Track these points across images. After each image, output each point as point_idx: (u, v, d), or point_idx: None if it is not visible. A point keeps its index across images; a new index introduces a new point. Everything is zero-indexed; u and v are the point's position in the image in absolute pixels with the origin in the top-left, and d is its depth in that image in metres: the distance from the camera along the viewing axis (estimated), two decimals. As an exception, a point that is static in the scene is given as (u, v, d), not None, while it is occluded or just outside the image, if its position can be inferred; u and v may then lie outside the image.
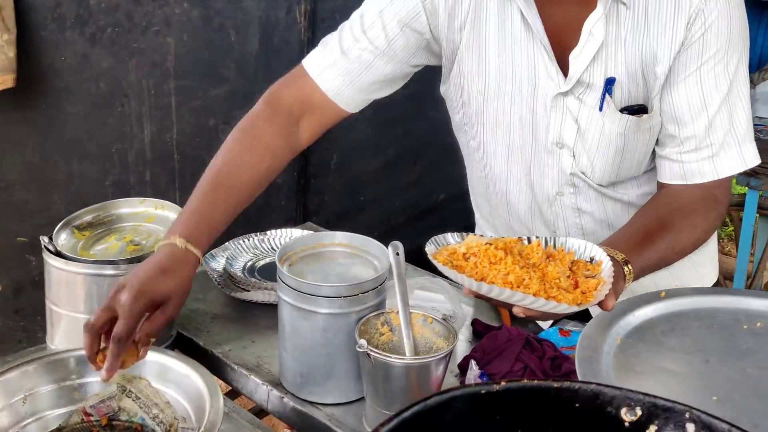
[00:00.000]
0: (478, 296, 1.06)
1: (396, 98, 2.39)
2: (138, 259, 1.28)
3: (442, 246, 1.13)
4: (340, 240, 1.34)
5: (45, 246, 1.29)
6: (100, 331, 1.12)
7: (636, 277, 1.15)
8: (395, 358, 1.12)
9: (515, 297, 0.99)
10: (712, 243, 1.61)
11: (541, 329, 1.45)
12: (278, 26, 2.33)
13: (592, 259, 1.10)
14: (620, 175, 1.42)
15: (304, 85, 1.41)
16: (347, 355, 1.21)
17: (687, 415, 0.66)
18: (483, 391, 0.65)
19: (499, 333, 1.36)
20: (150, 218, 1.43)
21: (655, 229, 1.27)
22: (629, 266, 1.12)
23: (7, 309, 2.05)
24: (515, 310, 1.02)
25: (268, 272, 1.59)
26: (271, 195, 2.56)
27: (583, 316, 1.50)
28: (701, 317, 1.13)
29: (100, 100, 2.09)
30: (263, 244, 1.70)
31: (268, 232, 1.74)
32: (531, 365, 1.28)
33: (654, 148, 1.39)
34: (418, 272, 1.70)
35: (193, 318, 1.48)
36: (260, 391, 1.30)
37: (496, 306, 1.56)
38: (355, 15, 1.40)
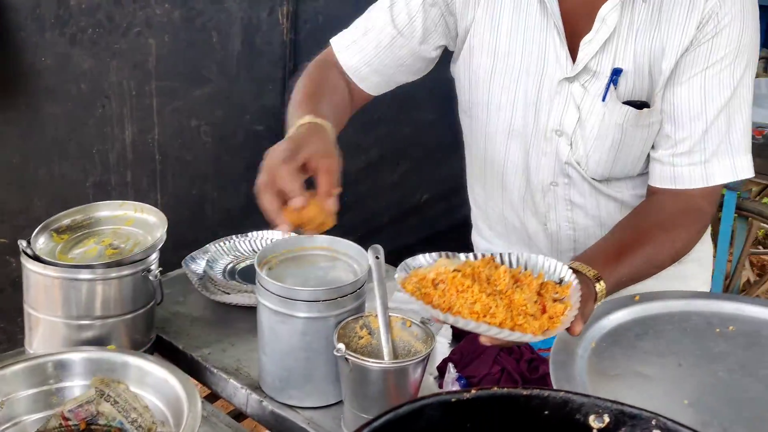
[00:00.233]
0: (445, 323, 1.07)
1: (379, 99, 2.40)
2: (117, 264, 1.28)
3: (413, 269, 1.13)
4: (320, 243, 1.35)
5: (23, 250, 1.29)
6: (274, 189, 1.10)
7: (609, 293, 1.15)
8: (373, 362, 1.13)
9: (480, 328, 1.01)
10: (706, 268, 1.60)
11: (520, 332, 1.46)
12: (260, 27, 2.33)
13: (561, 281, 1.10)
14: (614, 171, 1.41)
15: (334, 60, 1.47)
16: (326, 358, 1.22)
17: (654, 422, 0.67)
18: (453, 399, 0.66)
19: (478, 335, 1.37)
20: (129, 221, 1.43)
21: (632, 243, 1.26)
22: (601, 283, 1.12)
23: (-14, 311, 2.04)
24: (482, 339, 1.03)
25: (249, 275, 1.60)
26: (254, 196, 2.55)
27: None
28: (674, 321, 1.14)
29: (80, 101, 2.08)
30: (244, 246, 1.70)
31: (249, 234, 1.74)
32: (508, 368, 1.29)
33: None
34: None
35: (173, 321, 1.49)
36: (239, 394, 1.31)
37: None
38: None
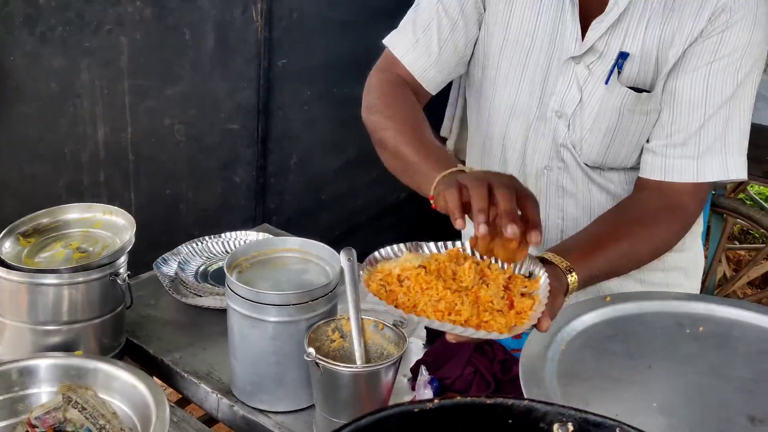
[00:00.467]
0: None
1: (356, 96, 2.37)
2: (84, 268, 1.26)
3: (380, 262, 1.11)
4: (292, 245, 1.33)
5: (-13, 255, 1.26)
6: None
7: (582, 286, 1.14)
8: (343, 366, 1.12)
9: (445, 327, 0.99)
10: (694, 279, 1.58)
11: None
12: (234, 25, 2.30)
13: (531, 274, 1.09)
14: (607, 157, 1.39)
15: (397, 67, 1.43)
16: (297, 362, 1.21)
17: (617, 430, 0.66)
18: (416, 410, 0.65)
19: (451, 336, 1.37)
20: (98, 224, 1.41)
21: (609, 237, 1.25)
22: (573, 275, 1.11)
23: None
24: (448, 338, 1.02)
25: (222, 277, 1.57)
26: (230, 195, 2.53)
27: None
28: (645, 322, 1.14)
29: (51, 101, 2.05)
30: (217, 247, 1.68)
31: (223, 235, 1.73)
32: (481, 369, 1.29)
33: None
34: (374, 274, 1.70)
35: (144, 325, 1.47)
36: (210, 399, 1.29)
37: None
38: None
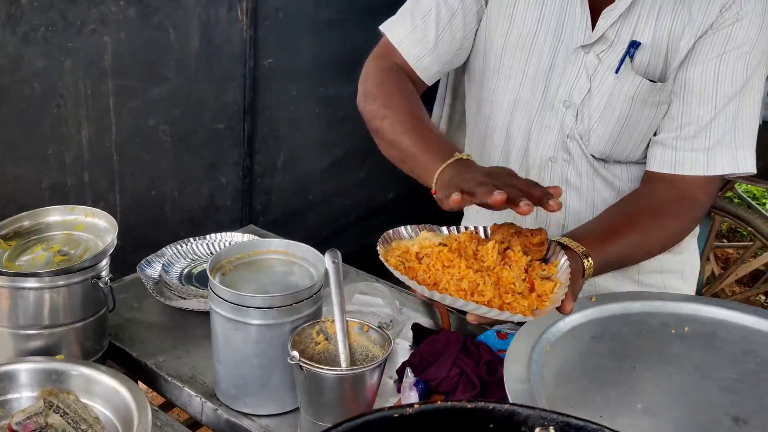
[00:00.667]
0: (430, 300, 1.03)
1: (343, 96, 2.38)
2: (65, 271, 1.24)
3: (395, 241, 1.09)
4: (276, 247, 1.32)
5: (-33, 258, 1.25)
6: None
7: (597, 272, 1.13)
8: (328, 369, 1.11)
9: (469, 307, 0.97)
10: (690, 283, 1.58)
11: (479, 332, 1.45)
12: (219, 24, 2.29)
13: (546, 260, 1.07)
14: (615, 149, 1.38)
15: (394, 54, 1.43)
16: (282, 366, 1.19)
17: (600, 434, 0.65)
18: (396, 415, 0.64)
19: (437, 338, 1.36)
20: (79, 227, 1.39)
21: (622, 226, 1.25)
22: (589, 260, 1.11)
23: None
24: (468, 318, 1.00)
25: (206, 279, 1.56)
26: (216, 195, 2.52)
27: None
28: (631, 322, 1.14)
29: (34, 102, 2.03)
30: (201, 249, 1.67)
31: (208, 237, 1.71)
32: (467, 371, 1.28)
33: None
34: (361, 275, 1.69)
35: (127, 328, 1.45)
36: (194, 403, 1.28)
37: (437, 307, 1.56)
38: None
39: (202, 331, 1.42)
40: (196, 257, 1.65)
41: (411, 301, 1.59)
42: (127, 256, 1.81)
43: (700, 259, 3.07)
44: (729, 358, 1.06)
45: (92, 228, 1.39)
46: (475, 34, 1.46)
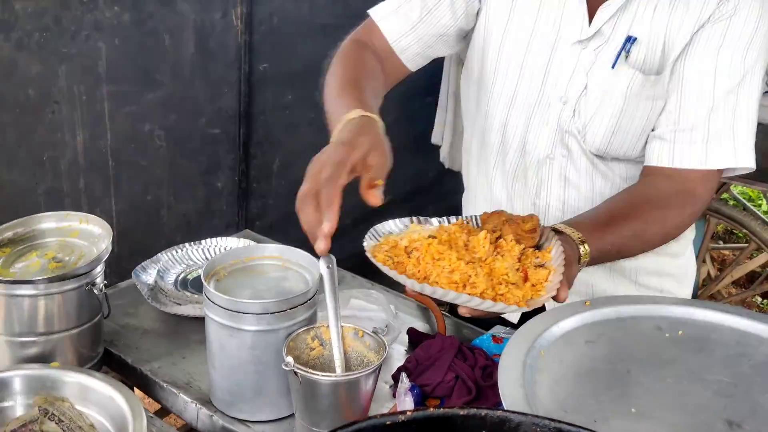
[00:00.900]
0: (421, 295, 1.02)
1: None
2: (59, 278, 1.24)
3: (384, 236, 1.06)
4: (271, 252, 1.32)
5: (-39, 266, 1.25)
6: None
7: (594, 260, 1.12)
8: (322, 375, 1.11)
9: (461, 299, 0.94)
10: (686, 285, 1.58)
11: (474, 336, 1.45)
12: (214, 29, 2.29)
13: (540, 246, 1.04)
14: (612, 145, 1.37)
15: (374, 31, 1.44)
16: (277, 372, 1.19)
17: (592, 440, 0.66)
18: (388, 422, 0.64)
19: (433, 342, 1.36)
20: (74, 233, 1.39)
21: (622, 215, 1.24)
22: (586, 246, 1.09)
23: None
24: (461, 311, 0.98)
25: (201, 284, 1.56)
26: (212, 200, 2.52)
27: (519, 322, 1.51)
28: (625, 326, 1.14)
29: (29, 107, 2.03)
30: (197, 255, 1.67)
31: (203, 242, 1.71)
32: (462, 375, 1.28)
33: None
34: (356, 280, 1.69)
35: (122, 334, 1.45)
36: (189, 409, 1.28)
37: (428, 305, 1.56)
38: None
39: (198, 337, 1.42)
40: (192, 263, 1.65)
41: (407, 305, 1.60)
42: (123, 261, 1.82)
43: (696, 261, 3.08)
44: (722, 361, 1.06)
45: (87, 234, 1.39)
46: (473, 32, 1.46)
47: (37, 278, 1.23)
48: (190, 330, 1.46)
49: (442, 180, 2.87)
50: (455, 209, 1.61)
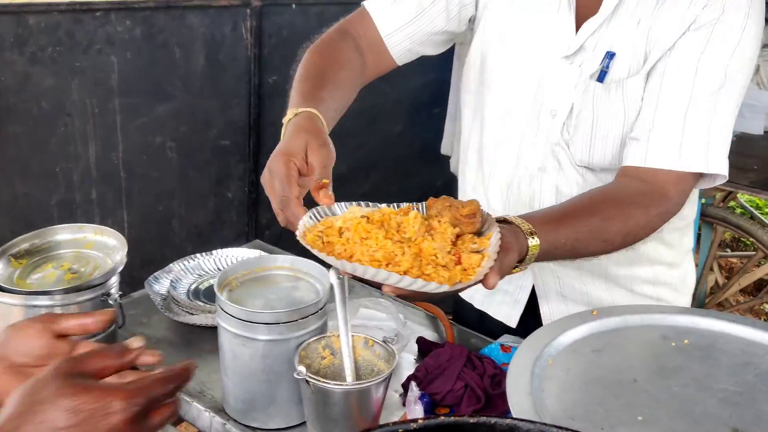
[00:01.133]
0: (346, 273, 0.99)
1: (347, 113, 2.36)
2: (75, 289, 1.27)
3: (324, 218, 1.04)
4: (282, 263, 1.34)
5: (-21, 277, 1.27)
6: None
7: (546, 254, 1.10)
8: (334, 384, 1.13)
9: (380, 275, 0.92)
10: (684, 294, 1.57)
11: (483, 345, 1.47)
12: (224, 42, 2.32)
13: (481, 233, 1.02)
14: (594, 156, 1.37)
15: (364, 22, 1.44)
16: (288, 380, 1.21)
17: (599, 447, 0.67)
18: (400, 430, 0.66)
19: (442, 351, 1.38)
20: (89, 245, 1.41)
21: (580, 210, 1.21)
22: (535, 238, 1.07)
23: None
24: (384, 289, 0.96)
25: (214, 294, 1.58)
26: (222, 210, 2.55)
27: (525, 332, 1.53)
28: (631, 335, 1.15)
29: (42, 120, 2.07)
30: (208, 265, 1.69)
31: (214, 252, 1.73)
32: (472, 384, 1.29)
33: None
34: (366, 290, 1.71)
35: (136, 344, 1.47)
36: (203, 417, 1.30)
37: (436, 315, 1.58)
38: None
39: (210, 346, 1.44)
40: (203, 273, 1.67)
41: (415, 314, 1.61)
42: (135, 271, 1.84)
43: (703, 269, 3.09)
44: (728, 370, 1.07)
45: (101, 246, 1.42)
46: (470, 44, 1.48)
47: (53, 289, 1.25)
48: (203, 339, 1.48)
49: (451, 189, 2.90)
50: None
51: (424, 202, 1.08)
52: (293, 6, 2.49)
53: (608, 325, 1.17)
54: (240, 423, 1.26)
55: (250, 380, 1.23)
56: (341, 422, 1.15)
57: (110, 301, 1.31)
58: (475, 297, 1.64)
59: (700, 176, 1.30)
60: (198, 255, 1.71)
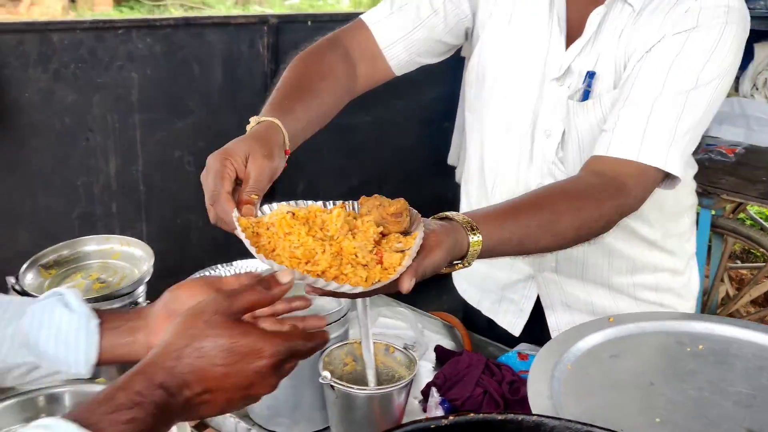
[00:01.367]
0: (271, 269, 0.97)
1: (359, 126, 2.44)
2: (105, 298, 1.30)
3: (275, 210, 1.04)
4: (303, 272, 1.37)
5: (12, 286, 1.31)
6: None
7: (493, 249, 1.07)
8: (357, 388, 1.16)
9: (295, 275, 0.91)
10: (687, 299, 1.58)
11: (499, 353, 1.50)
12: (241, 59, 2.38)
13: (408, 232, 1.00)
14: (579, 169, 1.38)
15: (360, 34, 1.45)
16: (312, 386, 1.25)
17: (621, 442, 0.71)
18: (433, 426, 0.69)
19: (460, 359, 1.41)
20: (116, 255, 1.46)
21: (529, 206, 1.18)
22: (477, 234, 1.05)
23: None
24: (306, 289, 0.96)
25: (235, 304, 1.62)
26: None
27: (532, 340, 1.56)
28: (647, 341, 1.18)
29: (64, 135, 2.12)
30: (228, 275, 1.72)
31: (234, 263, 1.77)
32: (490, 390, 1.32)
33: None
34: (383, 299, 1.74)
35: (161, 352, 1.50)
36: (228, 423, 1.33)
37: (453, 324, 1.61)
38: None
39: (233, 355, 1.47)
40: (224, 283, 1.70)
41: (432, 323, 1.64)
42: (154, 283, 1.88)
43: (714, 280, 3.11)
44: (742, 374, 1.10)
45: (128, 256, 1.46)
46: (468, 62, 1.52)
47: (84, 298, 1.29)
48: (226, 348, 1.51)
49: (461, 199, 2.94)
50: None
51: (357, 201, 1.07)
52: (308, 23, 2.54)
53: (624, 331, 1.20)
54: (265, 429, 1.29)
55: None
56: (364, 427, 1.19)
57: (138, 310, 1.35)
58: (483, 304, 1.67)
59: (665, 177, 1.29)
60: (219, 266, 1.74)
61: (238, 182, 1.08)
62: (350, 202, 1.06)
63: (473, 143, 1.58)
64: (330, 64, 1.39)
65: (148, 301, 1.38)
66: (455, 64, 1.56)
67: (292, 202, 1.05)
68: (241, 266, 1.76)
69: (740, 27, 1.28)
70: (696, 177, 1.62)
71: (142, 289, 1.37)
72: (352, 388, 1.16)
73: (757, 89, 3.45)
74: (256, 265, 1.76)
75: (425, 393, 1.38)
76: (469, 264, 1.06)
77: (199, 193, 2.61)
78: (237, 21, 2.34)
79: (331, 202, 1.06)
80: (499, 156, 1.51)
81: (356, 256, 0.95)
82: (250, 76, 2.42)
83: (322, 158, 2.75)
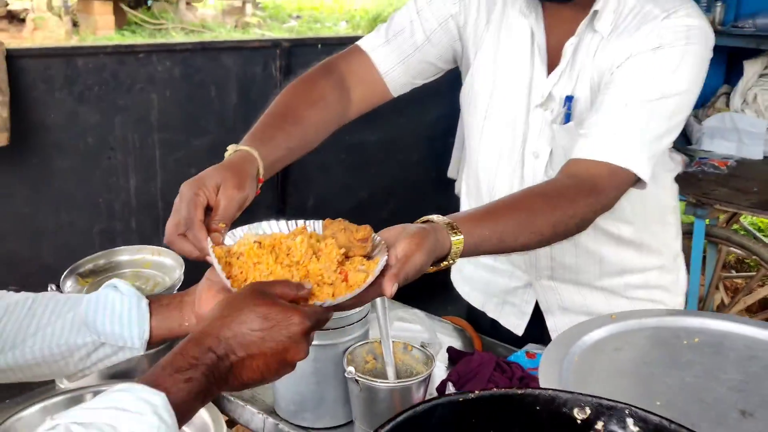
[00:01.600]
0: None
1: (367, 143, 2.54)
2: (141, 303, 1.40)
3: (241, 238, 1.10)
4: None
5: (54, 293, 1.40)
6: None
7: (472, 247, 1.13)
8: (380, 382, 1.26)
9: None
10: (676, 294, 1.67)
11: (507, 353, 1.59)
12: (255, 81, 2.49)
13: (371, 257, 1.07)
14: None
15: (357, 60, 1.52)
16: (336, 382, 1.34)
17: (627, 412, 0.80)
18: (461, 399, 0.79)
19: (472, 358, 1.50)
20: (147, 264, 1.55)
21: (506, 207, 1.25)
22: (459, 234, 1.11)
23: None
24: None
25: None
26: (251, 238, 2.68)
27: (533, 340, 1.66)
28: (648, 335, 1.28)
29: (88, 154, 2.22)
30: (250, 285, 1.82)
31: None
32: (502, 386, 1.42)
33: None
34: (396, 304, 1.83)
35: (190, 355, 1.60)
36: (256, 419, 1.42)
37: (463, 327, 1.70)
38: (409, 2, 1.54)
39: (258, 357, 1.56)
40: (246, 292, 1.80)
41: (443, 327, 1.74)
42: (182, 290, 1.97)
43: (709, 288, 3.21)
44: (735, 363, 1.20)
45: (159, 265, 1.55)
46: (461, 89, 1.61)
47: (123, 303, 1.38)
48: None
49: (462, 213, 3.05)
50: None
51: (320, 221, 1.14)
52: (319, 46, 2.66)
53: (626, 327, 1.29)
54: (291, 423, 1.38)
55: (301, 382, 1.35)
56: (386, 419, 1.27)
57: (171, 314, 1.44)
58: (487, 306, 1.77)
59: (637, 180, 1.36)
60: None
61: (208, 209, 1.14)
62: (311, 222, 1.13)
63: (471, 163, 1.68)
64: (321, 91, 1.45)
65: (181, 306, 1.47)
66: (456, 83, 1.65)
67: (255, 225, 1.12)
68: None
69: (702, 45, 1.37)
70: (690, 188, 1.73)
71: (174, 295, 1.46)
72: (375, 381, 1.25)
73: (747, 104, 3.58)
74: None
75: (440, 390, 1.46)
76: (453, 262, 1.13)
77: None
78: (251, 45, 2.46)
79: (294, 222, 1.13)
80: (493, 176, 1.60)
81: (322, 276, 1.02)
82: (263, 97, 2.51)
83: (330, 175, 2.86)
